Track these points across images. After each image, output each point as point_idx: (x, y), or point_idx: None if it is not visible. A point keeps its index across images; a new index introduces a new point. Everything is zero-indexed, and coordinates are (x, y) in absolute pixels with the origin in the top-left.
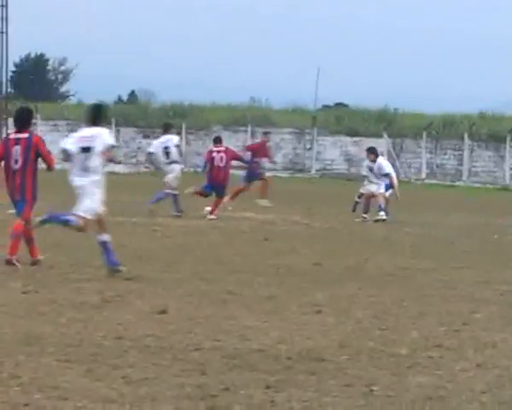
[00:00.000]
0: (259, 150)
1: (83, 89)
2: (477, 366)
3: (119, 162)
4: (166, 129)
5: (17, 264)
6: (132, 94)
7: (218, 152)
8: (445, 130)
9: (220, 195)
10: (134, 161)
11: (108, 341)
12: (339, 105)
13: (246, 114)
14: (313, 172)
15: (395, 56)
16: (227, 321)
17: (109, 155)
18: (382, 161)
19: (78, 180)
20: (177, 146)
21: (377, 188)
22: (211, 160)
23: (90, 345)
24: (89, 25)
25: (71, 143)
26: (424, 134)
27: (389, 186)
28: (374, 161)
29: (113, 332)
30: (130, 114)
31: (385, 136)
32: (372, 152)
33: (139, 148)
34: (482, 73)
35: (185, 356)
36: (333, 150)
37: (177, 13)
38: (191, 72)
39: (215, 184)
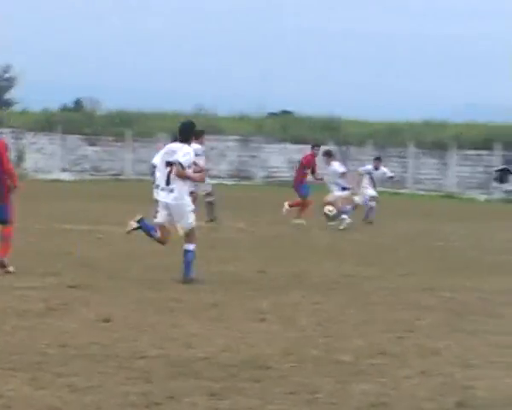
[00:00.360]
0: (310, 163)
1: (28, 96)
2: (421, 373)
3: (200, 180)
4: (196, 136)
5: (9, 267)
6: (78, 101)
7: None
8: (389, 137)
9: None
10: (79, 168)
11: (53, 349)
12: (284, 113)
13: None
14: (258, 179)
15: (341, 64)
16: (172, 329)
17: (177, 172)
18: (335, 164)
19: (162, 194)
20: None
21: (335, 192)
22: None
23: (35, 353)
24: (33, 32)
25: (158, 157)
26: (369, 142)
27: (345, 188)
28: (329, 163)
29: (58, 340)
30: (76, 121)
31: (330, 143)
32: (330, 155)
33: (84, 155)
34: (427, 80)
35: (130, 364)
36: (278, 158)
37: (122, 20)
38: (137, 79)
39: None
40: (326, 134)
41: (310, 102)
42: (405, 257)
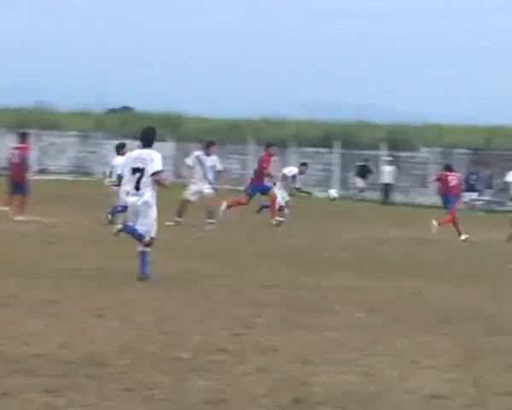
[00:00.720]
0: (268, 163)
1: None
2: (258, 369)
3: (167, 186)
4: (119, 150)
5: None
6: None
7: (17, 149)
8: (230, 134)
9: (19, 193)
10: None
11: None
12: (125, 109)
13: (31, 117)
14: (98, 175)
15: (183, 61)
16: (8, 326)
17: (157, 179)
18: (215, 158)
19: (131, 199)
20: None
21: (207, 188)
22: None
23: None
24: None
25: (124, 165)
26: (209, 138)
27: (212, 183)
28: (209, 155)
29: None
30: None
31: (170, 140)
32: (213, 145)
33: None
34: (268, 77)
35: None
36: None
37: None
38: None
39: (13, 181)
40: (166, 130)
41: (150, 98)
42: (247, 254)
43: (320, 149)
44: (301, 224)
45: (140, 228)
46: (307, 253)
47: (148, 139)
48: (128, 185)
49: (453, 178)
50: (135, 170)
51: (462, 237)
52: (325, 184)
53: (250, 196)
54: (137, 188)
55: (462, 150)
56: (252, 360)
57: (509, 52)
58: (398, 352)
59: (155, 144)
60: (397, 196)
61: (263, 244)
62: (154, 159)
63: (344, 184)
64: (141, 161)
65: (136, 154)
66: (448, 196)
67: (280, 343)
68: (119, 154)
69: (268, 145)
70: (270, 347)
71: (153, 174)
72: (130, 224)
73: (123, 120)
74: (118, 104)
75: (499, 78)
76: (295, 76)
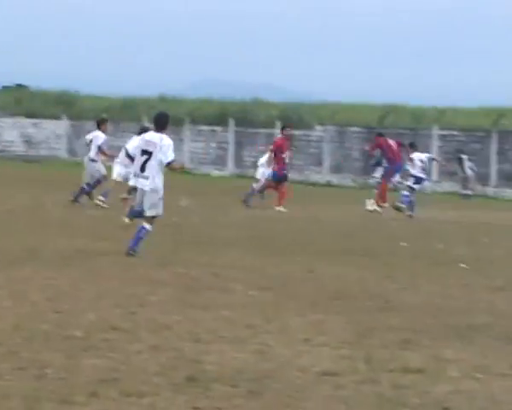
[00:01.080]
0: (284, 146)
1: None
2: (152, 347)
3: (183, 169)
4: (99, 124)
5: None
6: None
7: None
8: (124, 112)
9: None
10: None
11: None
12: (19, 86)
13: None
14: None
15: (79, 39)
16: None
17: (172, 168)
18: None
19: (138, 181)
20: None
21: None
22: None
23: None
24: None
25: (133, 144)
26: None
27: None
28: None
29: None
30: None
31: (64, 118)
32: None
33: None
34: (163, 56)
35: None
36: (11, 132)
37: None
38: None
39: None
40: (60, 108)
41: (46, 76)
42: None
43: (215, 128)
44: (192, 202)
45: (148, 211)
46: (199, 230)
47: (160, 124)
48: (135, 166)
49: (394, 143)
50: (144, 152)
51: (376, 208)
52: (220, 162)
53: (275, 180)
54: (142, 170)
55: (356, 128)
56: (145, 339)
57: (403, 31)
58: (291, 330)
59: (48, 122)
60: (291, 175)
61: (157, 223)
62: (164, 147)
63: (238, 162)
64: (151, 144)
65: (149, 137)
66: (395, 163)
67: (173, 322)
68: (99, 129)
69: (284, 127)
70: (164, 325)
71: (167, 165)
72: (137, 209)
73: (17, 97)
74: (11, 82)
75: (390, 56)
76: (191, 54)
